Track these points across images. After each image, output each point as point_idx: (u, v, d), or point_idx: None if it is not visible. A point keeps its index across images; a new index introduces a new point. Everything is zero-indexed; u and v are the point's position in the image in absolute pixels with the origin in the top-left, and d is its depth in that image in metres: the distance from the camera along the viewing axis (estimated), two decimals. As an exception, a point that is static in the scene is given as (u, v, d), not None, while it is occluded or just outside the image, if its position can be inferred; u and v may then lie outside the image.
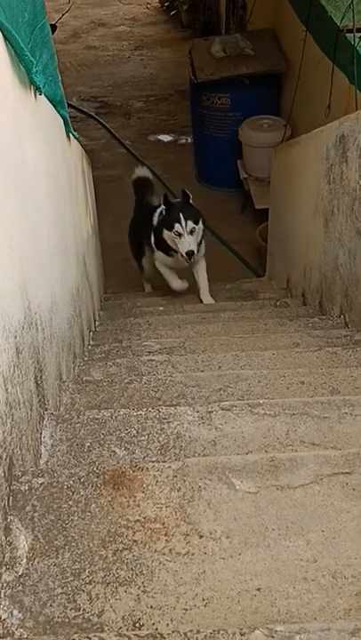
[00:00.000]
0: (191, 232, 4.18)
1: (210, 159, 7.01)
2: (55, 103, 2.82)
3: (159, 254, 4.54)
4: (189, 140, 7.57)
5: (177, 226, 4.18)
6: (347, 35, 4.41)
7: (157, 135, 7.91)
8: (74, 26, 10.48)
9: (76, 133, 3.67)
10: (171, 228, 4.23)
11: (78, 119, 7.97)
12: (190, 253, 4.17)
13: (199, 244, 4.34)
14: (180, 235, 4.18)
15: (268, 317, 3.71)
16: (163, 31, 10.32)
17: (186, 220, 4.17)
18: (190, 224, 4.18)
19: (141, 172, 5.41)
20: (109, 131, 7.88)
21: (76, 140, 3.80)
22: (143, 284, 5.50)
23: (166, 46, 9.79)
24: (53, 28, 7.40)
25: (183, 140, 7.76)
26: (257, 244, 6.02)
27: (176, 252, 4.29)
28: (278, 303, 4.12)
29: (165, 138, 7.88)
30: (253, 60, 6.45)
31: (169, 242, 4.31)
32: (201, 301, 4.54)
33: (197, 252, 4.28)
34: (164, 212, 4.37)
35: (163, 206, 4.37)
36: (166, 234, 4.29)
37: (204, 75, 6.39)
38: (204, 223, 4.38)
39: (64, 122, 3.19)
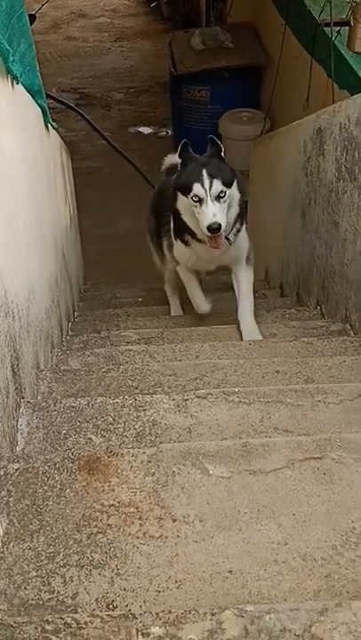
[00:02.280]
0: (218, 198, 2.75)
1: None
2: (33, 93, 2.82)
3: (179, 248, 3.17)
4: (170, 133, 7.57)
5: (196, 187, 2.74)
6: (325, 29, 4.44)
7: (138, 127, 7.90)
8: (54, 16, 10.42)
9: (54, 124, 3.67)
10: (187, 191, 2.79)
11: (58, 110, 7.94)
12: (215, 227, 2.70)
13: (235, 223, 2.98)
14: (200, 200, 2.75)
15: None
16: (143, 23, 10.29)
17: (211, 178, 2.74)
18: (217, 185, 2.73)
19: (174, 159, 3.81)
20: (89, 122, 7.86)
21: (55, 131, 3.80)
22: (169, 301, 3.92)
23: (147, 38, 9.77)
24: (33, 18, 7.37)
25: (163, 133, 7.76)
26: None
27: (199, 239, 2.93)
28: (256, 295, 4.15)
29: (146, 130, 7.87)
30: (233, 52, 6.47)
31: (185, 216, 2.92)
32: (240, 332, 3.08)
33: (230, 232, 2.95)
34: (180, 169, 2.95)
35: (179, 161, 2.95)
36: (182, 202, 2.88)
37: (183, 67, 6.40)
38: (242, 193, 3.00)
39: (42, 112, 3.19)
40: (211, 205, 2.74)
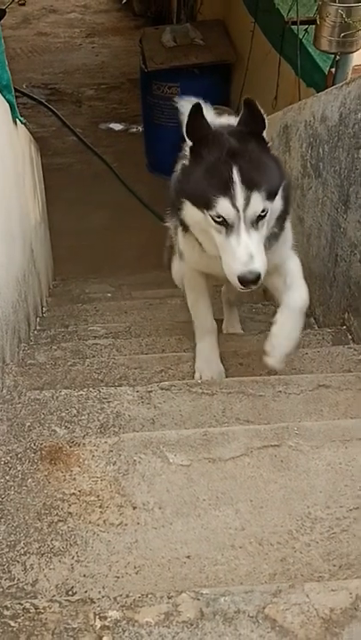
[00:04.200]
0: (258, 219, 1.78)
1: (160, 148, 7.02)
2: (1, 88, 2.83)
3: (186, 241, 2.14)
4: (140, 129, 7.58)
5: (222, 204, 1.76)
6: (292, 27, 4.48)
7: (108, 123, 7.90)
8: (24, 11, 10.38)
9: (23, 119, 3.67)
10: (205, 205, 1.80)
11: (29, 106, 7.91)
12: (251, 279, 1.77)
13: (271, 244, 1.97)
14: (226, 225, 1.78)
15: (214, 304, 3.75)
16: (114, 19, 10.28)
17: (248, 188, 1.75)
18: (257, 201, 1.75)
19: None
20: (60, 118, 7.84)
21: (24, 127, 3.80)
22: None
23: (118, 34, 9.76)
24: (2, 12, 7.33)
25: (134, 129, 7.77)
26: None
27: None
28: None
29: (116, 126, 7.87)
30: (203, 50, 6.49)
31: (198, 234, 1.96)
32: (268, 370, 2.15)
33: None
34: (189, 157, 1.87)
35: (188, 142, 1.85)
36: (193, 216, 1.89)
37: (154, 63, 6.41)
38: (287, 191, 1.97)
39: (10, 107, 3.19)
40: (245, 237, 1.74)
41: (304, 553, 1.40)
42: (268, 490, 1.52)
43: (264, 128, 1.84)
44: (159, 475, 1.57)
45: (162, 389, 2.06)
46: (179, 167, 2.05)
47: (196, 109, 1.77)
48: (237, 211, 1.74)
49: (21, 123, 3.62)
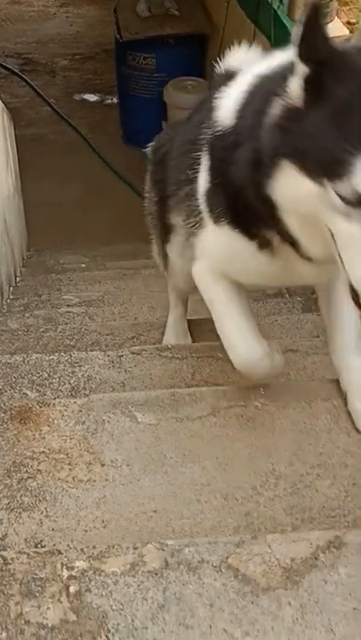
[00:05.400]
0: None
1: (135, 120, 7.00)
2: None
3: (219, 239, 1.50)
4: (115, 100, 7.52)
5: None
6: (268, -3, 4.47)
7: (83, 94, 7.82)
8: (-2, -20, 10.21)
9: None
10: (334, 171, 1.13)
11: (1, 76, 7.80)
12: None
13: None
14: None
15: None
16: (90, -12, 10.15)
17: None
18: None
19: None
20: (34, 88, 7.74)
21: (-5, 95, 3.77)
22: (170, 313, 2.40)
23: (92, 4, 9.62)
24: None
25: (109, 100, 7.70)
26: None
27: (293, 243, 1.31)
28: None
29: (91, 97, 7.80)
30: (179, 20, 6.45)
31: (294, 223, 1.27)
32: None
33: None
34: (300, 92, 1.18)
35: (300, 68, 1.17)
36: (296, 191, 1.20)
37: (128, 34, 6.36)
38: None
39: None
40: None
41: (268, 507, 1.45)
42: (234, 448, 1.56)
43: None
44: (127, 433, 1.60)
45: (133, 354, 2.09)
46: (251, 109, 1.32)
47: (316, 13, 1.12)
48: None
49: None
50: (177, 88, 6.31)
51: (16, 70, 7.98)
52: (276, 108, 1.22)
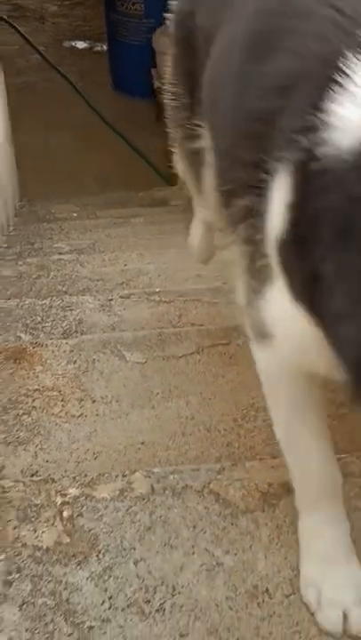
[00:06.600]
0: None
1: (124, 67, 6.93)
2: None
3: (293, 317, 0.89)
4: (105, 48, 7.44)
5: None
6: None
7: (72, 41, 7.72)
8: None
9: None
10: None
11: (-10, 22, 7.70)
12: None
13: None
14: None
15: (176, 222, 3.82)
16: None
17: None
18: None
19: None
20: (23, 35, 7.65)
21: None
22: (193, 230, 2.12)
23: None
24: None
25: (99, 47, 7.61)
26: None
27: None
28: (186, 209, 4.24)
29: (81, 44, 7.70)
30: None
31: None
32: None
33: None
34: None
35: None
36: None
37: (117, -22, 6.27)
38: None
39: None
40: None
41: (248, 438, 1.54)
42: (217, 383, 1.65)
43: None
44: (116, 372, 1.69)
45: (122, 298, 2.17)
46: None
47: None
48: None
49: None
50: (166, 35, 6.25)
51: (4, 17, 7.87)
52: None
